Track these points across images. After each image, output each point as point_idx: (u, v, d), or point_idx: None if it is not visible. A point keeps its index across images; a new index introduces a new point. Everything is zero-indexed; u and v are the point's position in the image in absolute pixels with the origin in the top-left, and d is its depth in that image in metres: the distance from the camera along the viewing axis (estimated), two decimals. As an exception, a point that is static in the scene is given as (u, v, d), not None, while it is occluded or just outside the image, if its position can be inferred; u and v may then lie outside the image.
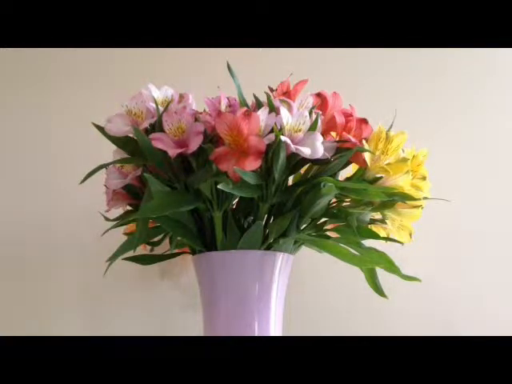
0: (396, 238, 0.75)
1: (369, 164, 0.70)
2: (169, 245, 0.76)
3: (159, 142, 0.67)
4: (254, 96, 0.73)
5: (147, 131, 0.70)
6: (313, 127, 0.68)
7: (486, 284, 0.97)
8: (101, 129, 0.72)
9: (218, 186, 0.65)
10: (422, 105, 1.02)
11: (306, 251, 0.79)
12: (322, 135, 0.68)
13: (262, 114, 0.67)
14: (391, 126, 0.73)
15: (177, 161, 0.69)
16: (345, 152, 0.70)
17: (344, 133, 0.72)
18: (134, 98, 0.71)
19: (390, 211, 0.74)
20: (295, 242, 0.75)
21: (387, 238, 0.76)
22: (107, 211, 0.74)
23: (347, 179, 0.75)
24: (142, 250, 0.80)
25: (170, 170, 0.70)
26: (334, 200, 0.74)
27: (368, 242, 0.76)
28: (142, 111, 0.71)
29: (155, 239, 0.77)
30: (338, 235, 0.75)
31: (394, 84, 1.03)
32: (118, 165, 0.72)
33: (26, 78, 0.98)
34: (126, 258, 0.77)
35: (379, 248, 0.75)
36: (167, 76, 0.94)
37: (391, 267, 0.72)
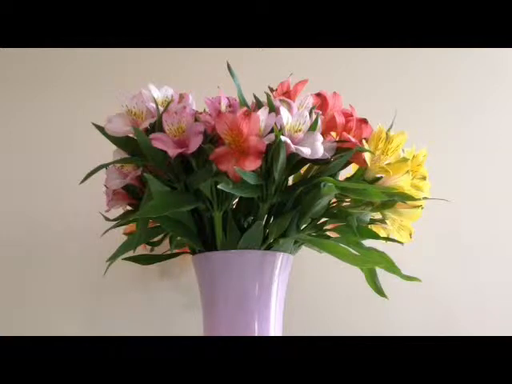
0: (396, 238, 0.75)
1: (369, 164, 0.70)
2: (169, 245, 0.76)
3: (159, 142, 0.67)
4: (254, 96, 0.73)
5: (147, 131, 0.70)
6: (313, 127, 0.68)
7: (486, 284, 0.97)
8: (101, 129, 0.72)
9: (218, 186, 0.65)
10: (421, 105, 1.02)
11: (306, 251, 0.79)
12: (322, 135, 0.68)
13: (262, 114, 0.67)
14: (391, 126, 0.73)
15: (177, 161, 0.69)
16: (345, 152, 0.70)
17: (344, 133, 0.72)
18: (134, 97, 0.71)
19: (389, 211, 0.74)
20: (295, 242, 0.75)
21: (387, 238, 0.76)
22: (107, 211, 0.74)
23: (347, 179, 0.74)
24: (142, 249, 0.80)
25: (170, 170, 0.70)
26: (334, 200, 0.74)
27: (368, 242, 0.76)
28: (142, 111, 0.71)
29: (155, 239, 0.77)
30: (338, 235, 0.75)
31: (394, 84, 1.03)
32: (118, 165, 0.72)
33: (26, 78, 0.98)
34: (126, 258, 0.77)
35: (379, 248, 0.75)
36: (167, 76, 0.94)
37: (391, 267, 0.72)
